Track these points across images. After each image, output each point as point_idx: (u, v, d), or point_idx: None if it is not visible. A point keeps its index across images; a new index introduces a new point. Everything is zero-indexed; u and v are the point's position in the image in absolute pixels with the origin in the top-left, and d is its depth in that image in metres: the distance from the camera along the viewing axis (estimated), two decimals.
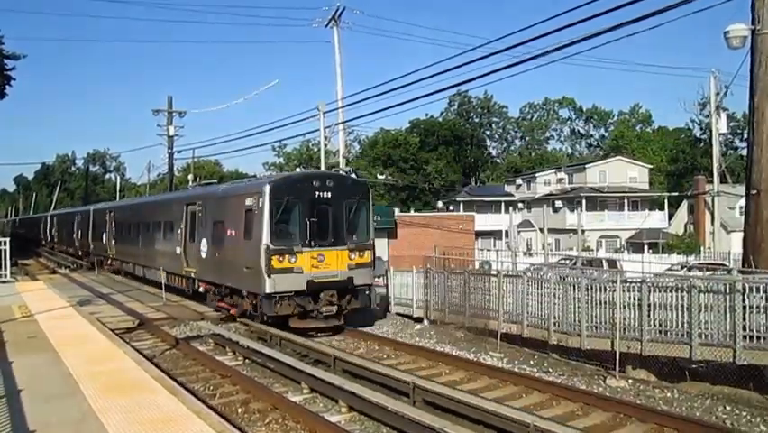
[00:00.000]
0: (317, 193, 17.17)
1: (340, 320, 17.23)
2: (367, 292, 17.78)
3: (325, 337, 16.87)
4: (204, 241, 19.80)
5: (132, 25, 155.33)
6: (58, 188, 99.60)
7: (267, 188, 16.71)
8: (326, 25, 32.85)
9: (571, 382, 12.72)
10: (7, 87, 50.41)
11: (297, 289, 16.30)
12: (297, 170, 62.83)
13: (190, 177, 59.25)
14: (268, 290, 16.10)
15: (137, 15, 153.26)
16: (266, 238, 16.21)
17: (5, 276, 20.24)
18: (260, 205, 16.60)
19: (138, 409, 5.69)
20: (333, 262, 16.90)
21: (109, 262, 33.21)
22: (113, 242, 31.94)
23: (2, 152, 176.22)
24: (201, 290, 20.50)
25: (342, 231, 17.37)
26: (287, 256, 16.26)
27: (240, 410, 10.28)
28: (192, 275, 20.92)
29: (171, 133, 41.90)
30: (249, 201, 17.39)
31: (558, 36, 16.73)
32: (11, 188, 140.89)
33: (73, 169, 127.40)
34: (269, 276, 16.05)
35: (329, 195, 17.30)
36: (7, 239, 21.37)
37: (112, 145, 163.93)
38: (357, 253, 17.45)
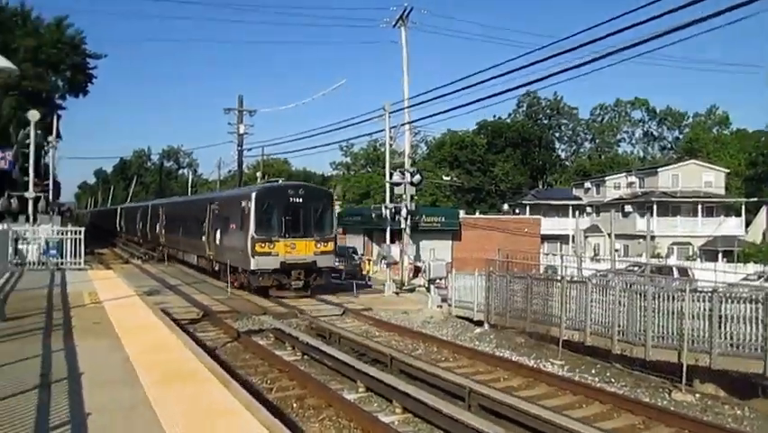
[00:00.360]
0: (291, 198, 22.94)
1: (307, 291, 22.76)
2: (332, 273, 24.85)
3: (384, 338, 16.91)
4: (218, 231, 25.71)
5: (205, 26, 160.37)
6: (134, 182, 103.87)
7: (254, 195, 22.88)
8: (394, 25, 32.97)
9: (634, 393, 12.25)
10: (89, 85, 53.05)
11: (274, 267, 22.02)
12: (363, 171, 63.58)
13: (258, 174, 60.70)
14: (253, 268, 22.03)
15: (210, 16, 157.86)
16: (252, 230, 22.00)
17: (80, 264, 21.16)
18: (249, 206, 22.49)
19: (189, 399, 5.78)
20: (302, 249, 22.35)
21: (160, 248, 38.17)
22: (163, 231, 37.58)
23: (84, 146, 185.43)
24: (216, 268, 26.41)
25: (310, 226, 22.83)
26: (267, 243, 21.91)
27: (295, 405, 10.37)
28: (211, 257, 26.94)
29: (241, 132, 42.96)
30: (243, 203, 23.18)
31: (631, 33, 15.97)
32: (91, 180, 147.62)
33: (149, 164, 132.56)
34: (253, 257, 21.82)
35: (300, 200, 22.99)
36: (82, 229, 22.39)
37: (185, 142, 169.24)
38: (321, 243, 22.80)
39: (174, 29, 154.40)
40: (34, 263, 20.76)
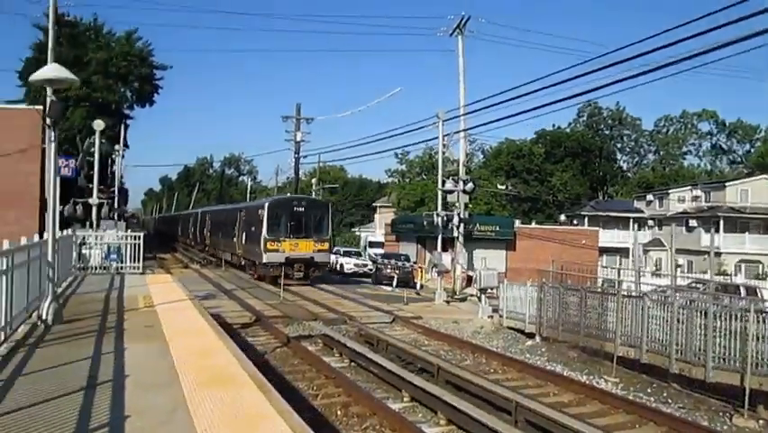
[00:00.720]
0: (295, 208, 28.67)
1: (307, 280, 28.06)
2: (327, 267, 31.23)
3: (432, 347, 16.79)
4: (244, 233, 31.60)
5: (264, 37, 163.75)
6: (196, 188, 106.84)
7: (266, 205, 29.12)
8: (451, 34, 32.84)
9: (692, 416, 11.71)
10: (155, 95, 54.98)
11: (280, 261, 27.38)
12: (418, 178, 63.64)
13: (314, 181, 61.44)
14: (264, 261, 27.83)
15: (269, 27, 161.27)
16: (264, 232, 27.75)
17: (139, 268, 21.81)
18: (263, 214, 28.28)
19: (226, 404, 5.85)
20: (304, 247, 27.92)
21: (205, 249, 44.55)
22: (208, 234, 43.80)
23: (151, 154, 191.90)
24: (243, 263, 32.57)
25: (310, 229, 28.46)
26: (275, 242, 27.55)
27: (339, 413, 10.35)
28: (240, 254, 32.77)
29: (298, 139, 43.58)
30: (259, 211, 28.96)
31: (697, 41, 15.35)
32: (157, 187, 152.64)
33: (211, 171, 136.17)
34: (265, 253, 27.54)
35: (302, 209, 28.73)
36: (141, 234, 23.11)
37: (246, 149, 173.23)
38: (319, 242, 28.41)
39: (233, 39, 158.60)
40: (96, 268, 21.50)
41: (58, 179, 11.70)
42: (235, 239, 33.28)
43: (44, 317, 10.25)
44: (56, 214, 11.53)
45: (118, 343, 8.80)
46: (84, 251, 21.57)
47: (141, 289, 16.19)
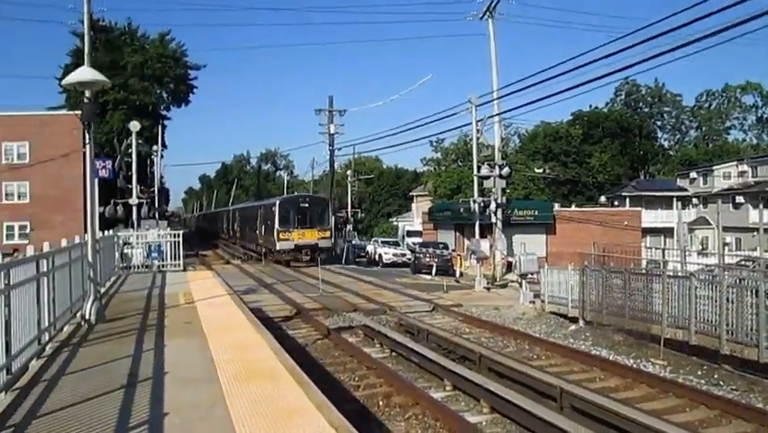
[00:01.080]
0: (301, 204, 35.58)
1: (314, 263, 30.60)
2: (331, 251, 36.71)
3: (474, 334, 16.63)
4: (263, 227, 37.75)
5: (294, 31, 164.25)
6: (234, 185, 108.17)
7: (278, 202, 36.04)
8: (481, 17, 32.36)
9: (746, 398, 11.25)
10: (191, 94, 55.74)
11: (290, 248, 33.68)
12: (454, 165, 63.28)
13: (349, 173, 61.52)
14: (278, 248, 34.09)
15: (298, 21, 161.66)
16: (277, 224, 34.00)
17: (179, 266, 22.13)
18: (275, 209, 34.66)
19: (265, 399, 5.82)
20: (309, 236, 33.78)
21: (236, 242, 50.22)
22: (237, 228, 50.00)
23: (188, 153, 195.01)
24: (263, 252, 38.06)
25: (315, 221, 34.60)
26: (286, 232, 33.62)
27: (381, 403, 10.28)
28: (260, 244, 38.71)
29: (332, 131, 43.62)
30: (273, 208, 35.25)
31: (737, 10, 14.68)
32: (197, 186, 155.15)
33: (248, 167, 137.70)
34: (278, 241, 33.67)
35: (307, 205, 35.57)
36: (181, 232, 23.44)
37: (282, 144, 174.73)
38: (321, 231, 34.40)
39: (264, 34, 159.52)
40: (139, 267, 21.88)
41: (96, 181, 11.88)
42: (257, 232, 39.65)
43: (87, 316, 10.43)
44: (95, 215, 11.70)
45: (158, 340, 8.89)
46: (126, 250, 21.97)
47: (181, 286, 16.39)
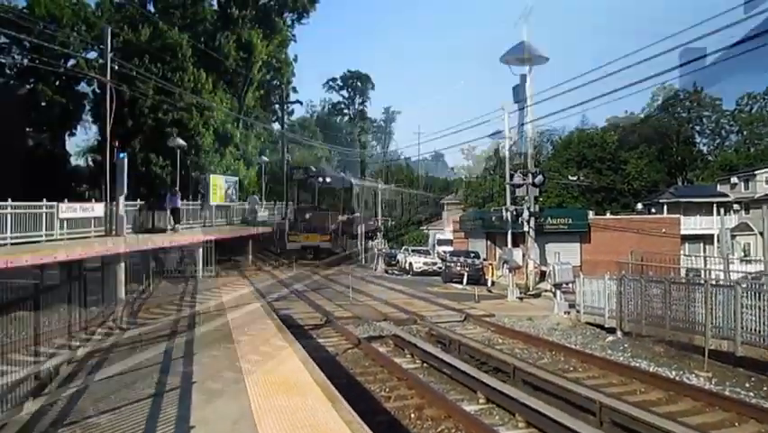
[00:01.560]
0: (306, 213, 39.79)
1: (316, 261, 36.19)
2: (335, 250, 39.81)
3: (507, 345, 16.25)
4: (278, 230, 41.18)
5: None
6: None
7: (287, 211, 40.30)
8: (515, 24, 32.01)
9: None
10: None
11: (298, 248, 37.80)
12: (485, 173, 62.91)
13: (380, 181, 61.47)
14: (288, 248, 37.67)
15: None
16: (287, 229, 38.41)
17: (212, 271, 22.21)
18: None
19: (292, 413, 5.66)
20: (313, 239, 37.81)
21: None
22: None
23: None
24: (279, 251, 40.45)
25: (317, 229, 38.28)
26: (295, 236, 37.90)
27: (413, 416, 10.03)
28: (277, 244, 41.47)
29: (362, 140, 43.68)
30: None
31: None
32: None
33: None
34: (288, 242, 37.77)
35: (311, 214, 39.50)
36: (212, 238, 23.50)
37: None
38: (323, 236, 37.96)
39: None
40: (172, 272, 21.98)
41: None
42: (275, 236, 45.18)
43: (119, 322, 10.43)
44: (124, 222, 11.73)
45: (187, 348, 8.81)
46: (160, 255, 22.11)
47: (212, 292, 16.39)
